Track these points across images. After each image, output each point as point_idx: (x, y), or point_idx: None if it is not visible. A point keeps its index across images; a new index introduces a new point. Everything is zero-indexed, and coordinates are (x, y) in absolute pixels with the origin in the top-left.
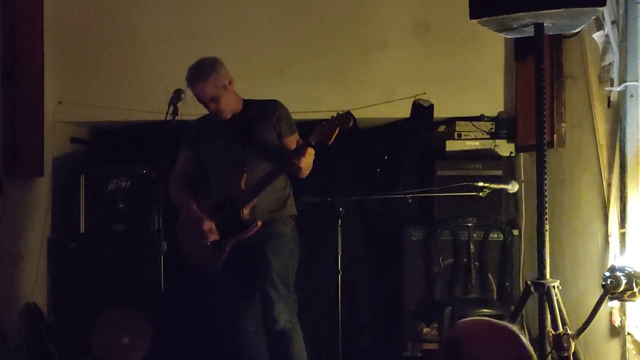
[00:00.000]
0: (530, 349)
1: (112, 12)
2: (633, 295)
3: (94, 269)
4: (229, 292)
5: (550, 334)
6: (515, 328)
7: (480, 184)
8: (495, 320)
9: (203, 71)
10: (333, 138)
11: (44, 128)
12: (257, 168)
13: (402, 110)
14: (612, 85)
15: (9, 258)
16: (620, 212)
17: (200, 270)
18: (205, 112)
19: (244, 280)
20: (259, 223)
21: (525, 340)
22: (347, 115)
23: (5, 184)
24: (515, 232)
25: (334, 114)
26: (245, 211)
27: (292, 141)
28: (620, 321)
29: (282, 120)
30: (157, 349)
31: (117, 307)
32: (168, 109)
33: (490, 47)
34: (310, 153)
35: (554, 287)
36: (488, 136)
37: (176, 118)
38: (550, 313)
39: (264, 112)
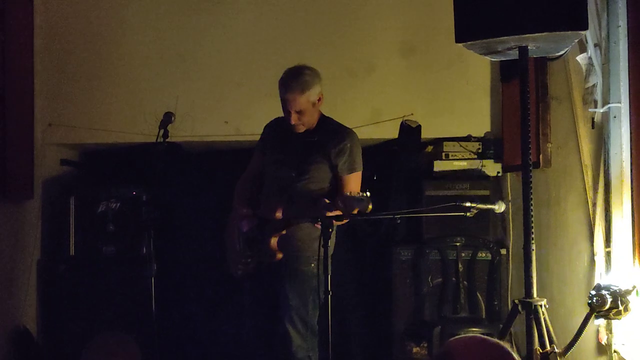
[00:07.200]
0: None
1: (102, 36)
2: (619, 313)
3: (83, 291)
4: (253, 321)
5: (538, 352)
6: (505, 344)
7: (468, 204)
8: (485, 337)
9: (303, 83)
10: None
11: (34, 150)
12: (302, 197)
13: (390, 131)
14: (595, 107)
15: None
16: (606, 231)
17: (229, 271)
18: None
19: (268, 311)
20: (279, 256)
21: (515, 355)
22: (369, 199)
23: None
24: (503, 251)
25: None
26: (273, 240)
27: (350, 180)
28: (607, 339)
29: (342, 155)
30: None
31: (107, 330)
32: (159, 132)
33: (476, 69)
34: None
35: (541, 305)
36: (475, 156)
37: (166, 140)
38: (537, 331)
39: (328, 139)
